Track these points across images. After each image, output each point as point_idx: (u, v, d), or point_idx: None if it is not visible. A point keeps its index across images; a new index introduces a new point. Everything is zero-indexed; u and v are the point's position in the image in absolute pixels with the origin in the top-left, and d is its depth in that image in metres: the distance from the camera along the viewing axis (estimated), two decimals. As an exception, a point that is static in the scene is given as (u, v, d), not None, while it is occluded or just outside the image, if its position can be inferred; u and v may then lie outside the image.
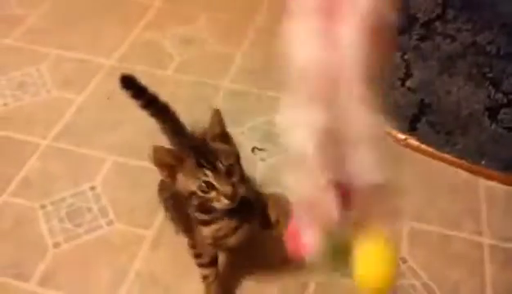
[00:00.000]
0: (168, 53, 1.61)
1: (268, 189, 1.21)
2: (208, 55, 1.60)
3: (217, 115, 0.85)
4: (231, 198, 0.80)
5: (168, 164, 0.82)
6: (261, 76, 1.50)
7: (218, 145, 0.83)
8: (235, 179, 0.81)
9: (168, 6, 1.81)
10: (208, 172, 0.80)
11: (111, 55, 1.60)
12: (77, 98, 1.46)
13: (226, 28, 1.70)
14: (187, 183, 0.82)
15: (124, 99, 1.44)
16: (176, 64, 1.57)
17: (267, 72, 1.45)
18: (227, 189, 0.80)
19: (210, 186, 0.80)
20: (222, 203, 0.81)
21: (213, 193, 0.81)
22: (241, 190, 0.82)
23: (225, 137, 0.85)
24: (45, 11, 1.77)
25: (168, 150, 0.85)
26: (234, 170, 0.82)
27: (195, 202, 0.83)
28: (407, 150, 1.33)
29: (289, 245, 0.69)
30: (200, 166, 0.80)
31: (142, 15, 1.76)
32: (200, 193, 0.81)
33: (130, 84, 1.01)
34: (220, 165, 0.80)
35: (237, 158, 0.84)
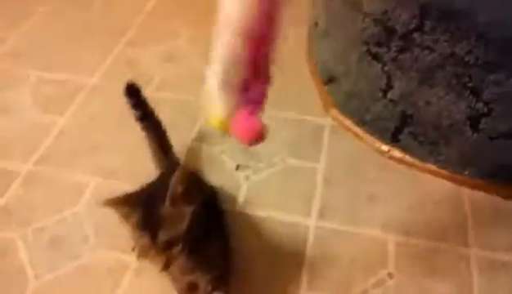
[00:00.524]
0: (150, 70, 1.60)
1: (254, 209, 1.21)
2: (189, 73, 1.59)
3: (181, 174, 0.81)
4: (162, 269, 0.79)
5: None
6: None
7: (173, 210, 0.79)
8: (175, 250, 0.79)
9: (149, 24, 1.80)
10: (146, 239, 0.78)
11: (93, 74, 1.59)
12: (59, 120, 1.45)
13: (207, 44, 1.68)
14: (131, 234, 0.81)
15: (107, 120, 1.45)
16: (157, 82, 1.56)
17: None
18: (159, 261, 0.78)
19: (147, 249, 0.79)
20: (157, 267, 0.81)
21: (150, 254, 0.80)
22: (180, 260, 0.80)
23: (188, 196, 0.81)
24: (24, 32, 1.76)
25: (120, 202, 0.82)
26: (178, 240, 0.79)
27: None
28: (391, 162, 1.33)
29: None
30: (142, 228, 0.78)
31: (123, 33, 1.75)
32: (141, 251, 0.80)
33: (134, 93, 1.01)
34: (162, 235, 0.77)
35: (193, 217, 0.80)
